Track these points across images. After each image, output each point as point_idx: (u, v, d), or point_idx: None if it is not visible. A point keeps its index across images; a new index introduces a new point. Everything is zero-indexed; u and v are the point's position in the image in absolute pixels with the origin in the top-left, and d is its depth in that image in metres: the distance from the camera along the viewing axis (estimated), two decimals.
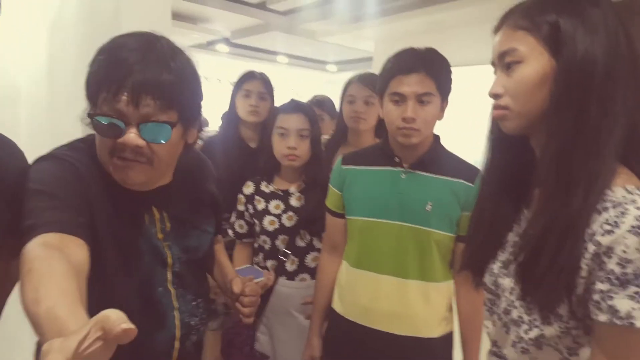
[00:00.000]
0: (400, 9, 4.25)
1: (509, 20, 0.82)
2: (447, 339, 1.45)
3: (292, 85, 7.92)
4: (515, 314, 0.85)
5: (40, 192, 0.85)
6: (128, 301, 0.95)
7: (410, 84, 1.32)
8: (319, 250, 1.71)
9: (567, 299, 0.75)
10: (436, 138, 1.45)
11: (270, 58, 7.19)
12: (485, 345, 1.06)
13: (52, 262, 0.71)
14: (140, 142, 0.90)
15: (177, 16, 5.08)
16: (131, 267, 0.98)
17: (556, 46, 0.76)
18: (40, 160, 0.92)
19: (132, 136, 0.89)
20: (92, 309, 0.85)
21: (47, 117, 2.14)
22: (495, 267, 0.91)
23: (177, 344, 1.04)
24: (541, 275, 0.75)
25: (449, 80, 1.38)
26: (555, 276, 0.73)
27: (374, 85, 1.65)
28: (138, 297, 0.99)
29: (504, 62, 0.82)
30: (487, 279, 0.92)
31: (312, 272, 1.70)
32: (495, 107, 0.84)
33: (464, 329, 1.44)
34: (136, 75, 0.87)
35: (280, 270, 1.70)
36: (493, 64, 0.86)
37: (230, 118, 2.11)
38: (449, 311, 1.46)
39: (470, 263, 0.97)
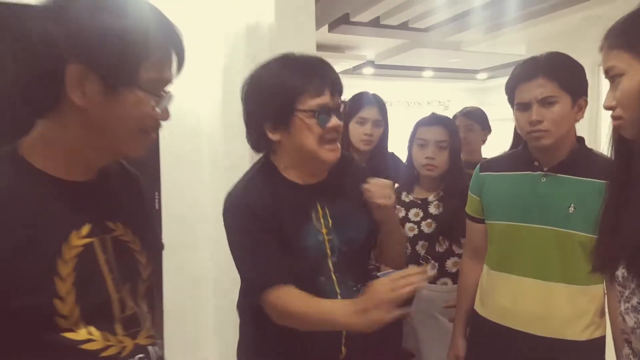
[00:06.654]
0: (550, 9, 4.03)
1: (606, 41, 0.90)
2: (597, 343, 1.40)
3: (439, 98, 7.90)
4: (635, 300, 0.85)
5: None
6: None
7: (531, 89, 1.35)
8: (458, 255, 1.77)
9: None
10: (580, 140, 1.43)
11: (416, 74, 7.27)
12: None
13: None
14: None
15: (326, 47, 5.50)
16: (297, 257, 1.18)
17: None
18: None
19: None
20: None
21: (224, 148, 2.58)
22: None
23: None
24: None
25: (579, 79, 1.37)
26: None
27: None
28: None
29: (609, 77, 0.90)
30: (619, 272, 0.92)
31: (453, 277, 1.77)
32: (612, 118, 0.92)
33: (616, 336, 1.37)
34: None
35: None
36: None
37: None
38: (599, 316, 1.40)
39: (601, 266, 0.98)
